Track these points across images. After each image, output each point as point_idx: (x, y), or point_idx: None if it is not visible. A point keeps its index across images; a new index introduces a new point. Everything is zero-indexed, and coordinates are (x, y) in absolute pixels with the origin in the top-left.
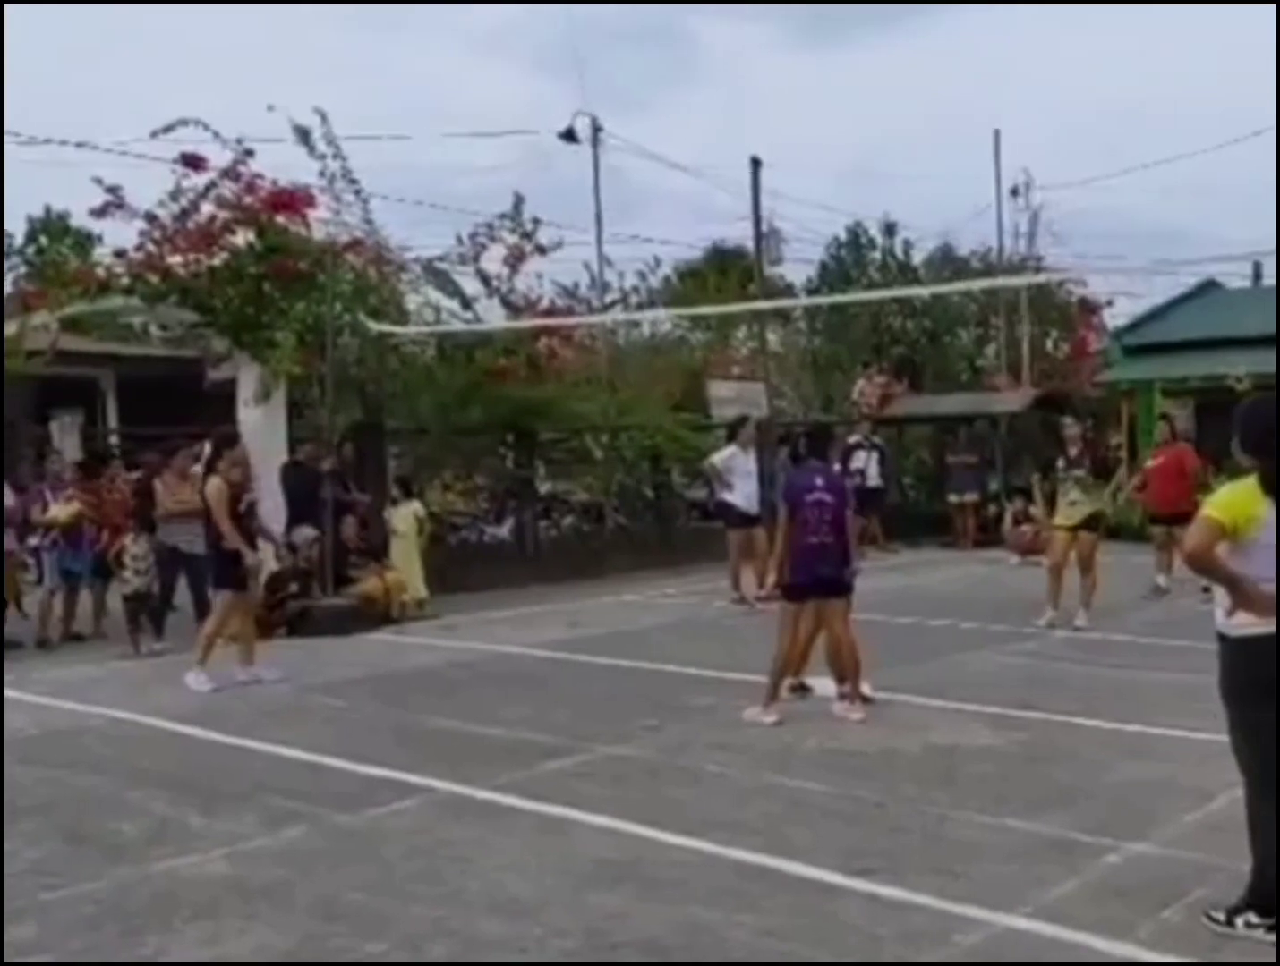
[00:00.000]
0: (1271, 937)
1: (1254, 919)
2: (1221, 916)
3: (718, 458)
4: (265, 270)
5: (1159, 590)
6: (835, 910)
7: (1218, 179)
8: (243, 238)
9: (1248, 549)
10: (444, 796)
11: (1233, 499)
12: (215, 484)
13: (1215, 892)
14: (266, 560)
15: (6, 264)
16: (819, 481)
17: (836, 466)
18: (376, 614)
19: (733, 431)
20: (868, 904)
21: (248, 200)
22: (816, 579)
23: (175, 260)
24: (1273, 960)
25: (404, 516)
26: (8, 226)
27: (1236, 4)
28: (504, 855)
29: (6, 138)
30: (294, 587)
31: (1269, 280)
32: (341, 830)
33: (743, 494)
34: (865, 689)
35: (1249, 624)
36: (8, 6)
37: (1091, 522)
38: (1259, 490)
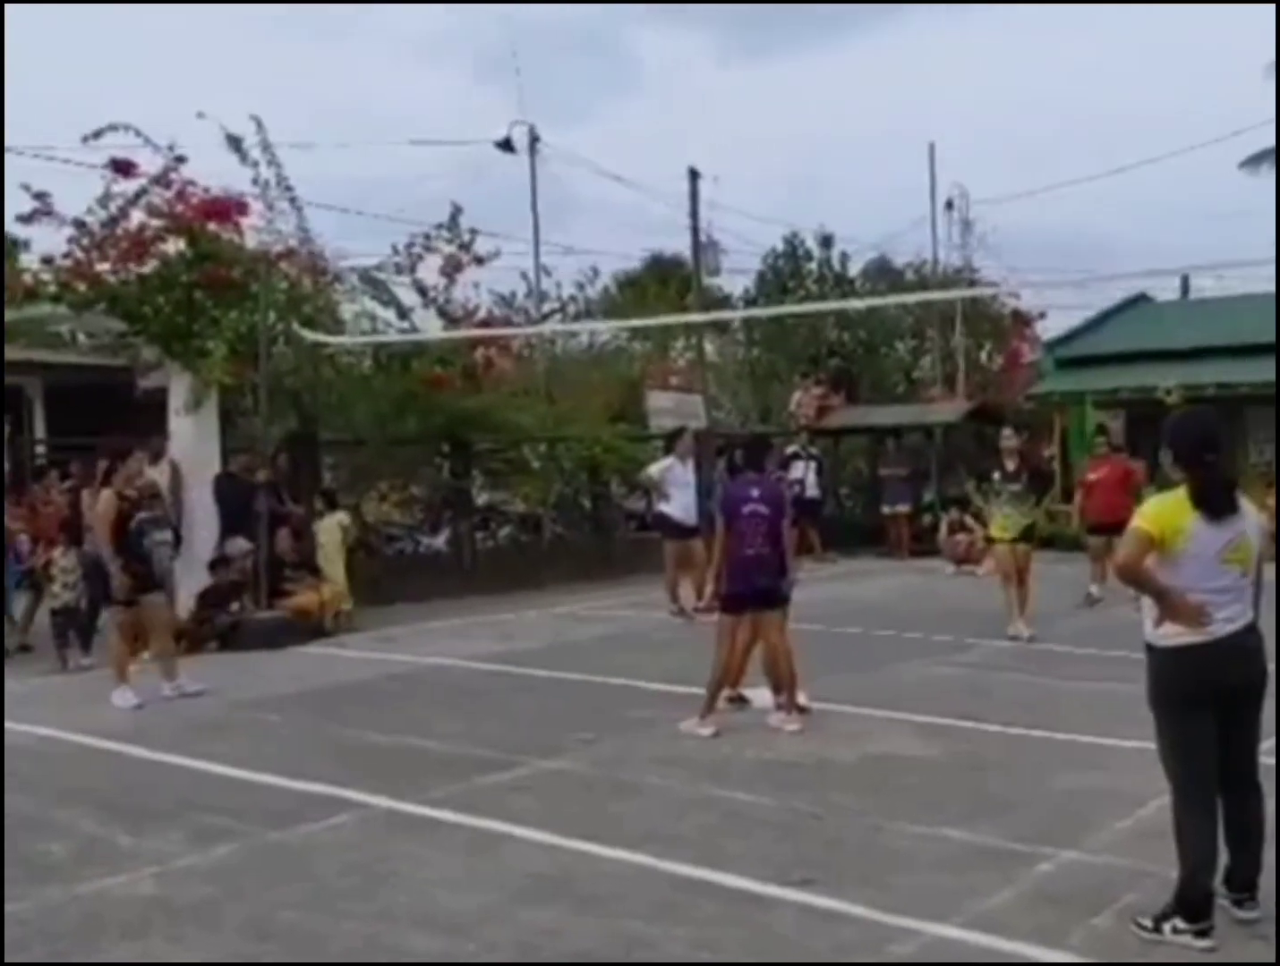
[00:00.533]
0: (1200, 943)
1: (1181, 924)
2: (1149, 923)
3: (655, 469)
4: (197, 278)
5: (1092, 599)
6: (770, 922)
7: (1146, 194)
8: (174, 246)
9: (1176, 560)
10: (377, 811)
11: (1161, 511)
12: (106, 497)
13: (1145, 898)
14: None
15: None
16: (755, 492)
17: (776, 476)
18: (311, 627)
19: (670, 443)
20: (802, 915)
21: (179, 208)
22: (753, 590)
23: (104, 268)
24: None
25: (328, 528)
26: None
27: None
28: (438, 870)
29: None
30: (235, 607)
31: (1197, 293)
32: (272, 847)
33: (680, 505)
34: (802, 699)
35: (1176, 634)
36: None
37: (1027, 533)
38: (1187, 502)
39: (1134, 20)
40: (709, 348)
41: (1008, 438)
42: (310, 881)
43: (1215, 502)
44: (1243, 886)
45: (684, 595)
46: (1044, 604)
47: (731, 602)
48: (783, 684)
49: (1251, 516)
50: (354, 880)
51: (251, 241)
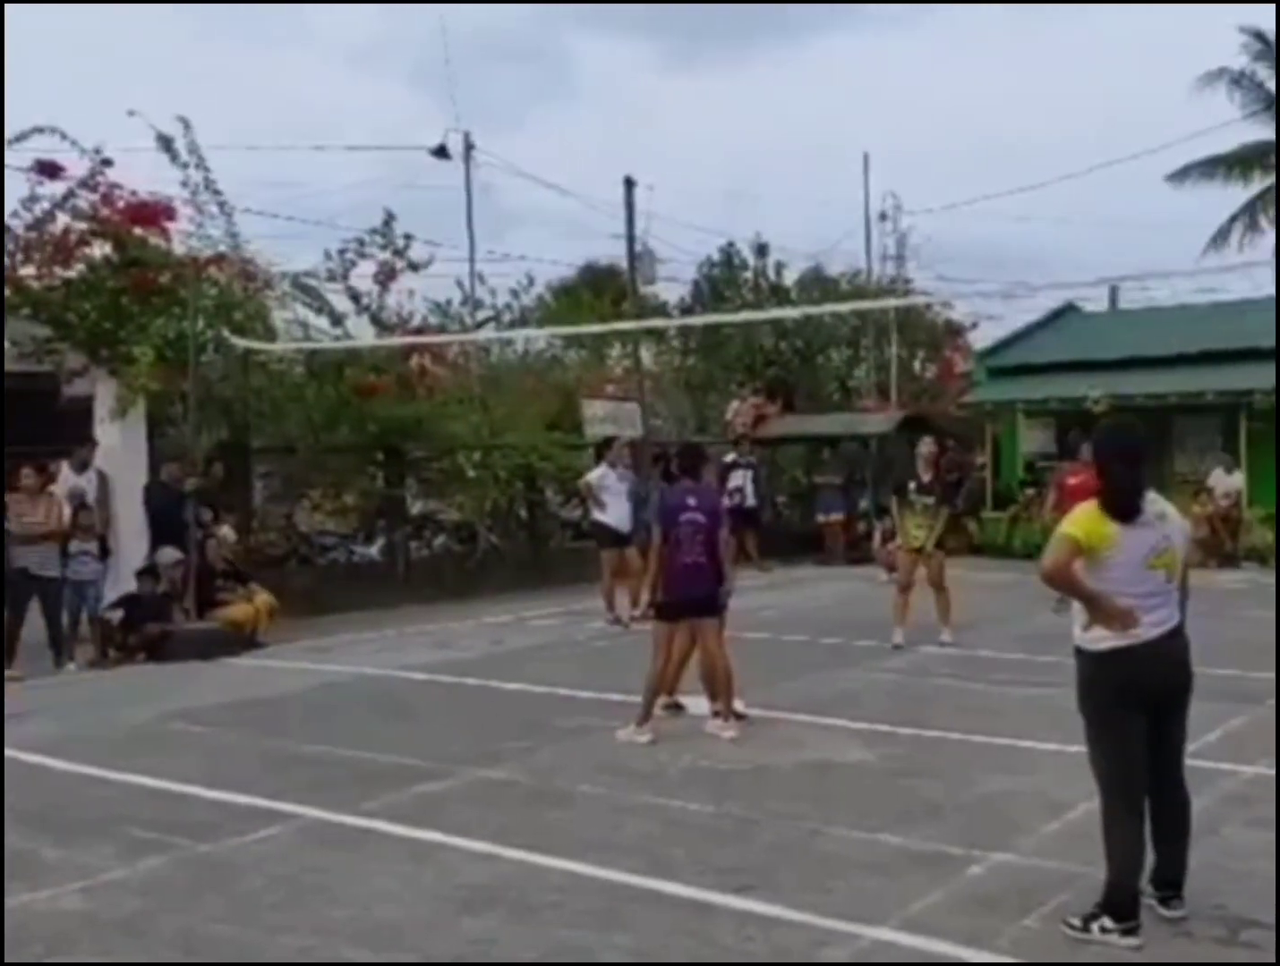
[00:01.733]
0: (1127, 941)
1: (1108, 924)
2: (1078, 922)
3: (592, 477)
4: (123, 284)
5: (1064, 603)
6: (708, 928)
7: (1074, 207)
8: (100, 250)
9: (1103, 565)
10: (310, 823)
11: (1087, 518)
12: None
13: (1074, 899)
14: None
15: None
16: (692, 501)
17: (713, 484)
18: (243, 638)
19: (601, 450)
20: (740, 921)
21: (105, 211)
22: (690, 598)
23: (28, 272)
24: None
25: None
26: None
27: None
28: (372, 882)
29: None
30: (160, 628)
31: (1125, 305)
32: (203, 860)
33: (614, 513)
34: (738, 706)
35: (1105, 638)
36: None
37: (939, 542)
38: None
39: (1062, 36)
40: (645, 356)
41: (924, 444)
42: (241, 894)
43: (1121, 506)
44: (1168, 885)
45: (620, 604)
46: (976, 611)
47: (668, 610)
48: (719, 691)
49: (1176, 522)
50: (286, 892)
51: (180, 247)
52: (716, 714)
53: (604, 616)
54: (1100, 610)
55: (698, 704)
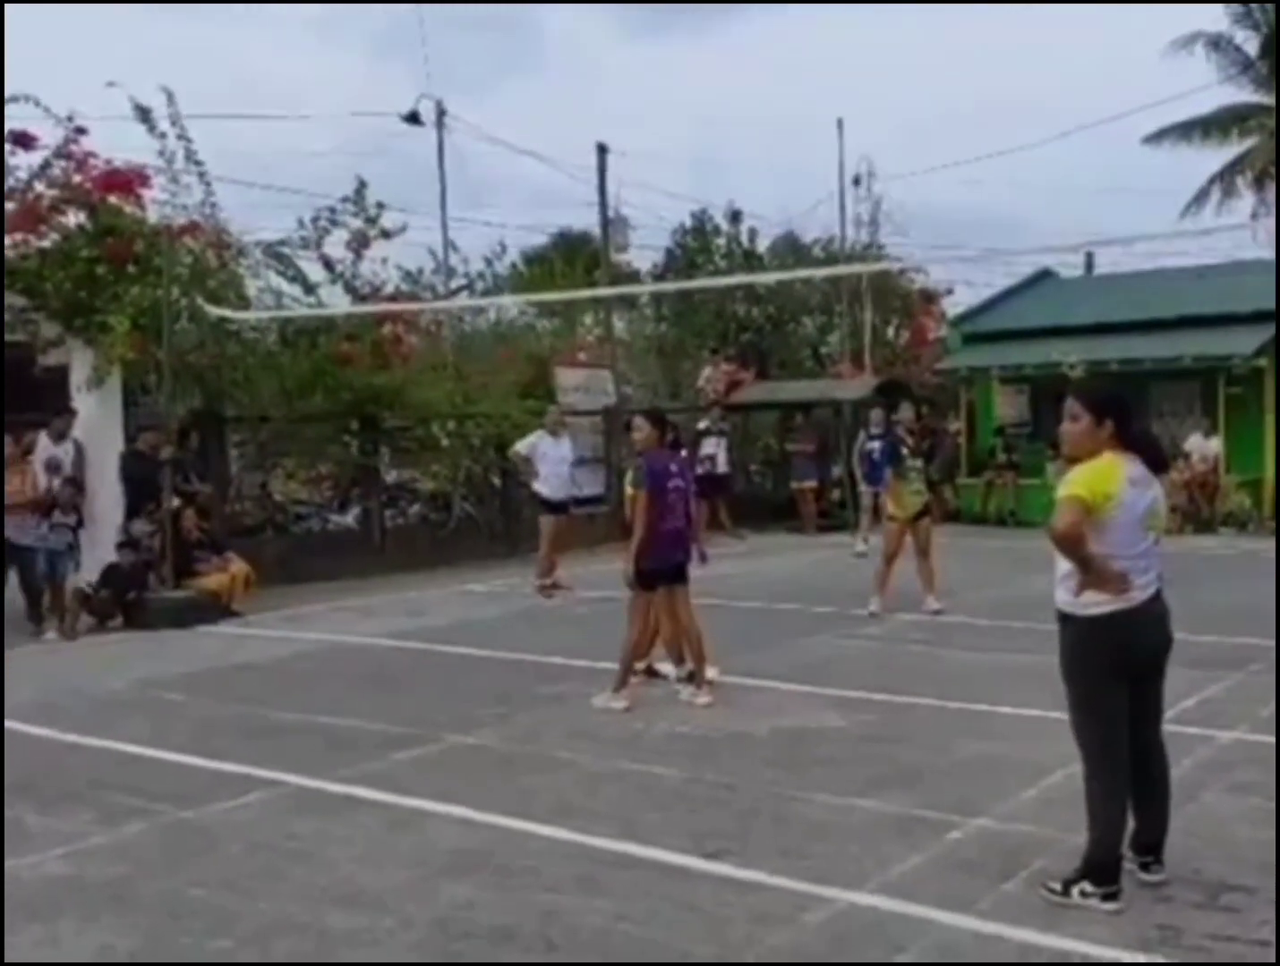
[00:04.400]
0: (1108, 906)
1: (1089, 888)
2: (1058, 887)
3: (522, 445)
4: (98, 252)
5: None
6: (687, 893)
7: (1051, 174)
8: (74, 218)
9: (1105, 526)
10: (290, 790)
11: (1092, 477)
12: None
13: (1053, 864)
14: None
15: None
16: (674, 467)
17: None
18: (220, 607)
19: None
20: (719, 885)
21: (78, 179)
22: (671, 564)
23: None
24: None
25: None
26: None
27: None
28: (352, 847)
29: None
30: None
31: (1101, 270)
32: (184, 826)
33: (549, 481)
34: (711, 673)
35: (1099, 602)
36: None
37: (926, 510)
38: (1115, 468)
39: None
40: (618, 324)
41: (907, 411)
42: (222, 860)
43: (1158, 458)
44: (1149, 849)
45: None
46: (952, 578)
47: (650, 578)
48: (693, 657)
49: (1158, 484)
50: (266, 858)
51: (154, 215)
52: (690, 679)
53: (535, 584)
54: (1097, 574)
55: (672, 670)
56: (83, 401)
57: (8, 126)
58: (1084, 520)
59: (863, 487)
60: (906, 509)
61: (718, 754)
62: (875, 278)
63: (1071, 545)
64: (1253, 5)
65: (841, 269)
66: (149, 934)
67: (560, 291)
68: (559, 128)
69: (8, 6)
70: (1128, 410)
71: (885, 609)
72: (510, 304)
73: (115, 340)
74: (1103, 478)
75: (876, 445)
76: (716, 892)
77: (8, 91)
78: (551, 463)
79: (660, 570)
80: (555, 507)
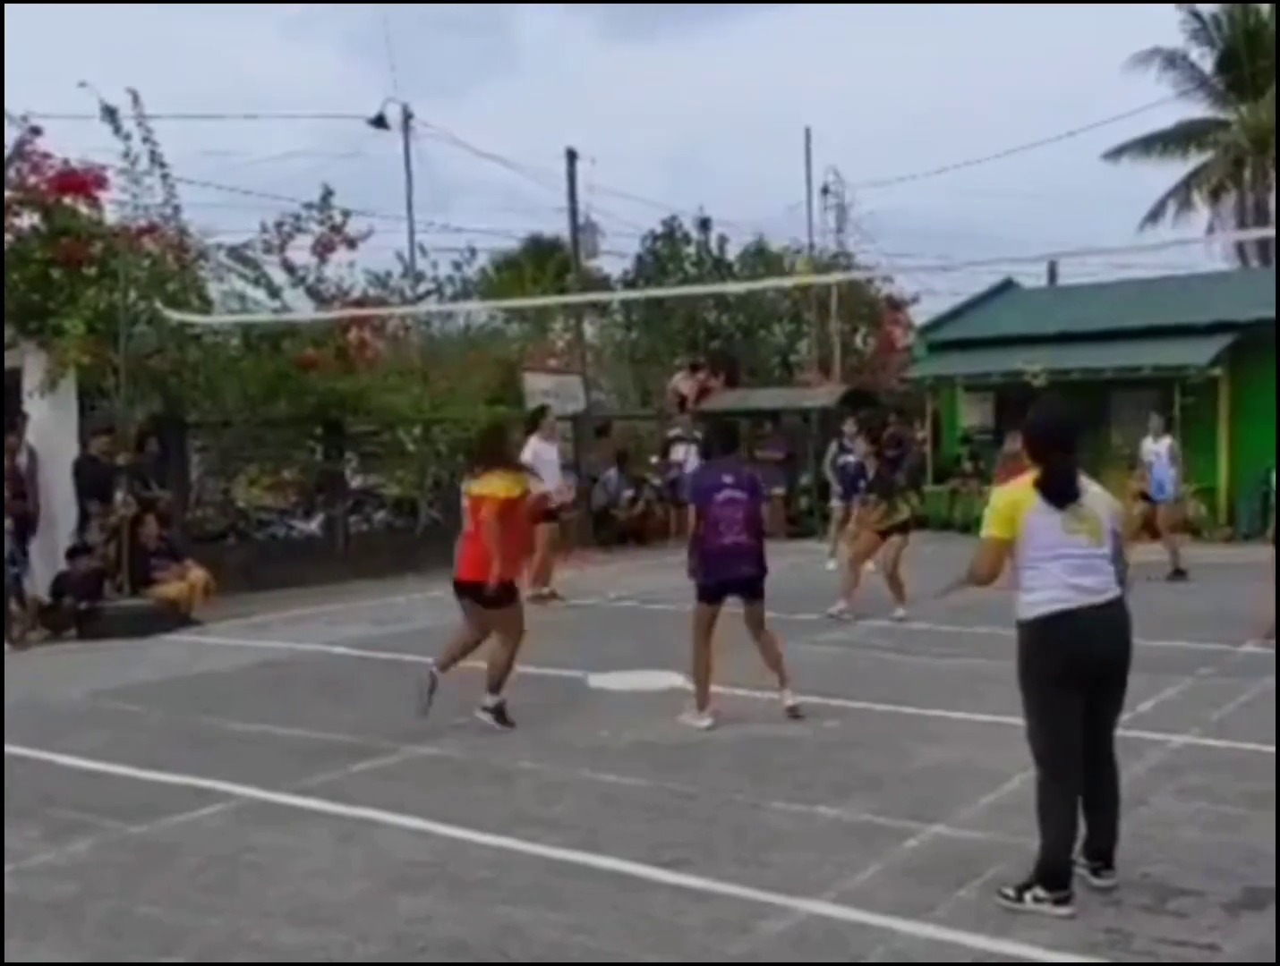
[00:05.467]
0: (1059, 911)
1: (1041, 893)
2: (1012, 892)
3: (526, 454)
4: (52, 254)
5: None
6: (644, 903)
7: (1013, 183)
8: (28, 220)
9: (1023, 538)
10: (244, 802)
11: (1002, 504)
12: None
13: (1008, 870)
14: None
15: None
16: (729, 478)
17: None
18: (178, 615)
19: (533, 423)
20: (676, 895)
21: (33, 180)
22: (736, 578)
23: None
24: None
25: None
26: None
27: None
28: (307, 861)
29: None
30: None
31: (1064, 280)
32: (134, 841)
33: (550, 486)
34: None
35: (1039, 603)
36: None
37: (905, 526)
38: (1030, 487)
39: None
40: (588, 330)
41: (862, 445)
42: (173, 875)
43: (1059, 493)
44: (1099, 855)
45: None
46: (912, 584)
47: (709, 593)
48: (779, 673)
49: (1103, 499)
50: (218, 873)
51: (113, 217)
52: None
53: (533, 591)
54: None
55: (665, 678)
56: (36, 406)
57: None
58: (1003, 560)
59: (835, 502)
60: (894, 517)
61: (680, 762)
62: (843, 286)
63: (985, 585)
64: (1207, 22)
65: (810, 278)
66: (97, 952)
67: (530, 297)
68: (532, 132)
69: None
70: (1041, 430)
71: (845, 614)
72: (480, 309)
73: (70, 344)
74: (1011, 503)
75: (851, 459)
76: (674, 903)
77: None
78: (548, 464)
79: (721, 584)
80: (552, 512)
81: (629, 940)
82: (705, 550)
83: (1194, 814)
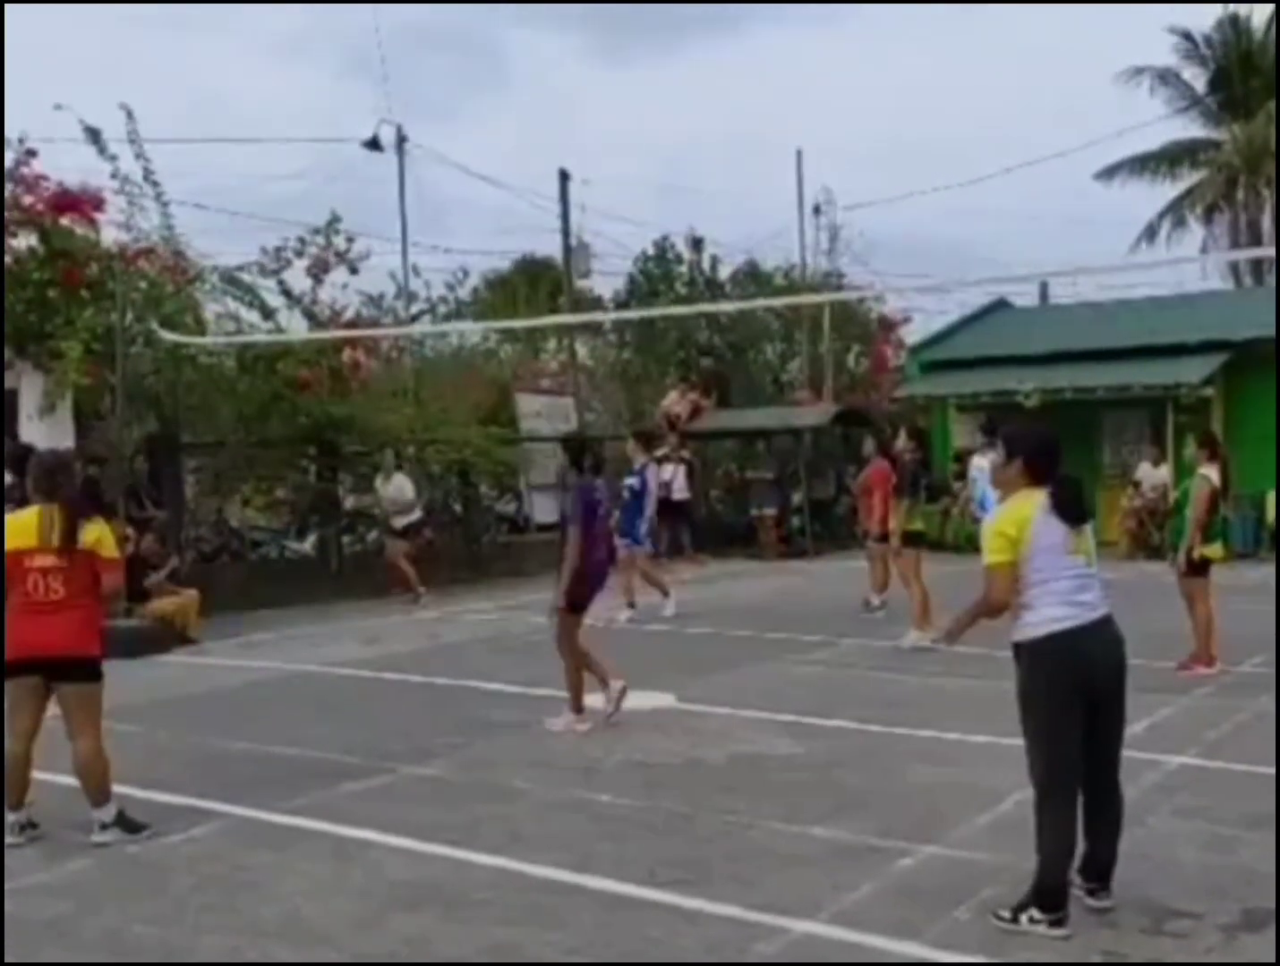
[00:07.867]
0: (1055, 932)
1: (1037, 914)
2: (1007, 914)
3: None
4: (50, 276)
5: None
6: (640, 924)
7: (1005, 203)
8: (25, 241)
9: (1025, 558)
10: (238, 822)
11: (1004, 525)
12: None
13: (1003, 891)
14: None
15: None
16: (604, 497)
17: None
18: (172, 634)
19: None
20: (672, 916)
21: (29, 201)
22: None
23: None
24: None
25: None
26: None
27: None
28: (302, 881)
29: None
30: None
31: (1055, 300)
32: (129, 861)
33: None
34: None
35: (1041, 623)
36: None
37: (913, 538)
38: (1030, 503)
39: (989, 33)
40: (581, 350)
41: (904, 439)
42: (168, 895)
43: (1076, 512)
44: (1098, 876)
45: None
46: (903, 603)
47: (582, 607)
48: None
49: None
50: (213, 893)
51: (110, 238)
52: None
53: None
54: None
55: (639, 698)
56: (33, 427)
57: None
58: (1014, 583)
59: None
60: (911, 526)
61: (673, 782)
62: (835, 305)
63: (1000, 613)
64: (1199, 42)
65: (802, 298)
66: None
67: (523, 317)
68: (524, 153)
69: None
70: (1040, 449)
71: (840, 634)
72: (472, 330)
73: (67, 365)
74: (1012, 522)
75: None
76: (670, 923)
77: None
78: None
79: (590, 598)
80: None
81: (625, 961)
82: (587, 565)
83: (1191, 835)
